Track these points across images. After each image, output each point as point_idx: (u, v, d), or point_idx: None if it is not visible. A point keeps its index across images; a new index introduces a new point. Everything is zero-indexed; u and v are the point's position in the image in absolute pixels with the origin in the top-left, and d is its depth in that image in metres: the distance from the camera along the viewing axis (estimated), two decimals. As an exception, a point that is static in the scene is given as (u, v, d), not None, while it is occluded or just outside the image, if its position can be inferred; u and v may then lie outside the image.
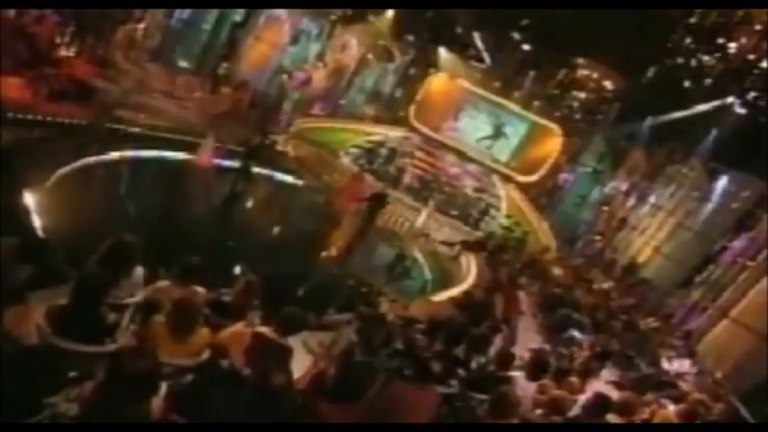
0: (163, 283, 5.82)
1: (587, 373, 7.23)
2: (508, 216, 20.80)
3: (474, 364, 6.62)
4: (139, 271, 5.78)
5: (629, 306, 12.96)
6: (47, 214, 8.86)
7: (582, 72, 21.66)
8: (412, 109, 24.94)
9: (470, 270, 13.25)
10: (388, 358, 5.68)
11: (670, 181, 18.11)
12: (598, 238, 19.29)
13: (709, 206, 15.83)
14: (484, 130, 24.43)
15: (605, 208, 20.38)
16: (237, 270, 9.03)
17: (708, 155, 16.45)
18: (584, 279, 14.73)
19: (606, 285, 14.36)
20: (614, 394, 7.95)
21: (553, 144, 23.20)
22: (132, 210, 10.49)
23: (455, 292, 10.93)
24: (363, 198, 14.85)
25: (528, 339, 10.24)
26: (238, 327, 5.28)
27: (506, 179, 22.90)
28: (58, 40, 15.11)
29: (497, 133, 24.24)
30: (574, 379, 6.74)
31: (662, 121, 18.55)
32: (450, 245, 15.66)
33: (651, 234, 17.46)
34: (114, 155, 12.62)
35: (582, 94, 21.67)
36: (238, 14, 21.34)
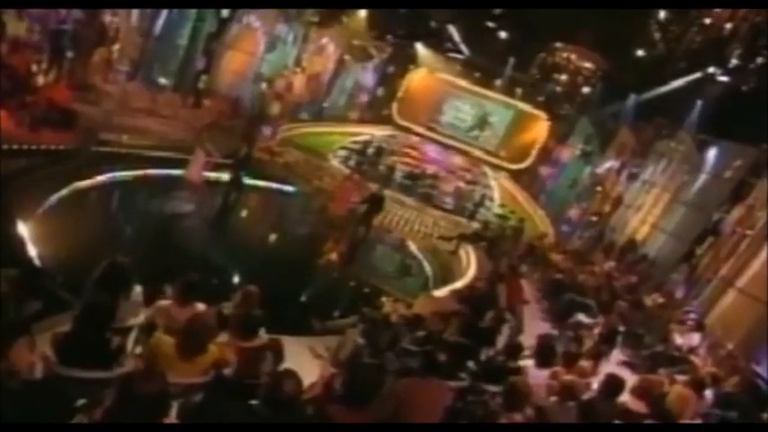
0: (164, 303, 5.78)
1: (598, 355, 7.21)
2: (502, 205, 20.81)
3: (483, 356, 6.59)
4: (138, 291, 5.75)
5: (632, 285, 12.91)
6: (41, 242, 8.81)
7: (561, 55, 21.69)
8: (395, 106, 24.95)
9: (470, 263, 13.20)
10: (396, 357, 5.66)
11: (661, 156, 18.12)
12: (594, 219, 19.28)
13: (702, 178, 15.82)
14: (469, 121, 24.49)
15: (598, 189, 20.36)
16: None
17: (695, 127, 16.47)
18: (585, 262, 14.67)
19: (607, 266, 14.32)
20: (626, 374, 8.02)
21: (540, 129, 23.27)
22: (126, 230, 10.48)
23: (457, 285, 10.88)
24: (358, 200, 14.81)
25: (534, 327, 10.21)
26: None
27: (497, 168, 22.91)
28: (34, 68, 14.99)
29: (483, 123, 24.30)
30: (585, 363, 6.73)
31: (646, 97, 18.60)
32: (448, 239, 15.63)
33: (647, 211, 17.46)
34: (103, 177, 12.56)
35: (563, 77, 21.66)
36: (212, 26, 21.23)
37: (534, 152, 23.21)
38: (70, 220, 10.05)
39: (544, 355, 6.16)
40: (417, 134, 24.27)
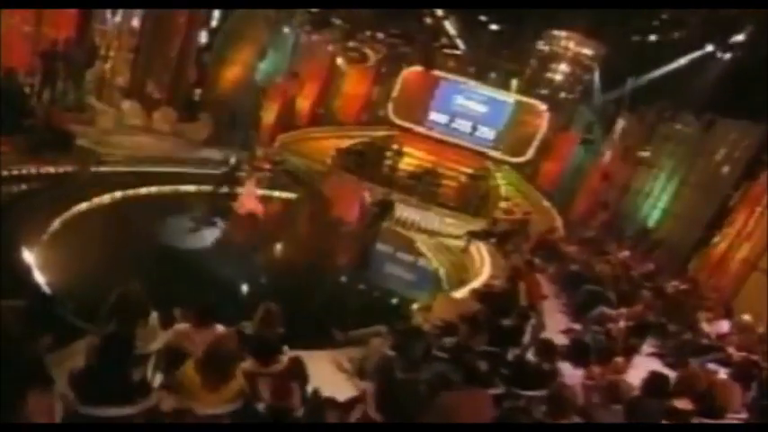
0: (182, 326, 5.58)
1: (630, 350, 6.99)
2: (506, 198, 20.57)
3: (510, 357, 6.38)
4: (154, 317, 5.55)
5: (649, 272, 12.68)
6: (48, 269, 8.60)
7: (559, 43, 21.43)
8: (390, 106, 24.78)
9: (484, 260, 12.95)
10: (429, 365, 5.43)
11: (666, 139, 17.89)
12: (603, 207, 19.04)
13: (712, 159, 15.59)
14: (466, 116, 24.26)
15: (604, 176, 20.13)
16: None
17: (700, 107, 16.23)
18: (600, 252, 14.42)
19: (622, 255, 14.08)
20: (656, 366, 7.81)
21: (539, 121, 23.08)
22: (133, 251, 10.16)
23: (475, 285, 10.65)
24: (367, 205, 14.55)
25: (555, 322, 9.99)
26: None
27: (498, 162, 22.72)
28: (27, 91, 14.81)
29: (481, 117, 24.09)
30: (618, 358, 6.52)
31: (646, 80, 18.37)
32: (457, 237, 15.40)
33: (657, 196, 17.25)
34: (105, 198, 12.36)
35: (562, 66, 21.41)
36: (202, 38, 21.02)
37: (535, 144, 23.01)
38: (76, 243, 9.79)
39: (579, 353, 5.95)
40: (415, 132, 24.08)
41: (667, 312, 10.07)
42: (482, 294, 9.55)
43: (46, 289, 7.84)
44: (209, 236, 12.47)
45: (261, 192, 14.55)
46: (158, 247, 10.88)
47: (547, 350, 5.86)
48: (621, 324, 8.61)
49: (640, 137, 18.99)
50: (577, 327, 9.83)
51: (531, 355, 6.30)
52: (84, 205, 11.51)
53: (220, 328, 5.48)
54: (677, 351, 8.75)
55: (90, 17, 17.30)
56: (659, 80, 17.81)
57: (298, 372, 5.02)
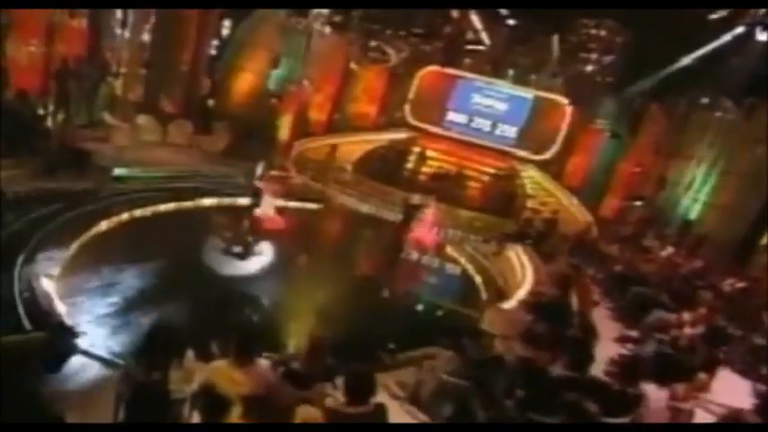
0: (220, 363, 4.95)
1: (711, 362, 6.32)
2: (533, 197, 19.93)
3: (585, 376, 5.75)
4: (190, 356, 4.90)
5: (698, 270, 11.96)
6: (69, 296, 8.13)
7: (588, 32, 20.61)
8: (407, 108, 24.22)
9: (525, 265, 12.31)
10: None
11: (703, 128, 17.09)
12: (639, 203, 18.30)
13: (756, 146, 14.80)
14: (486, 114, 23.64)
15: (637, 170, 19.37)
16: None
17: (740, 91, 15.44)
18: (641, 250, 13.71)
19: (666, 252, 13.37)
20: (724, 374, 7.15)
21: (561, 116, 22.39)
22: (159, 274, 9.63)
23: (522, 294, 10.00)
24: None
25: (606, 329, 9.32)
26: (309, 411, 4.43)
27: (523, 161, 22.07)
28: (41, 112, 14.49)
29: (500, 116, 23.46)
30: (701, 374, 5.89)
31: (675, 68, 17.62)
32: (489, 240, 14.80)
33: (697, 188, 16.50)
34: (124, 216, 11.91)
35: (592, 56, 20.56)
36: (213, 48, 20.65)
37: (558, 140, 22.33)
38: (97, 267, 9.30)
39: (664, 370, 5.32)
40: (435, 134, 23.50)
41: (729, 314, 9.36)
42: (533, 305, 8.92)
43: (67, 319, 7.34)
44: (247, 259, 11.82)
45: (284, 203, 13.94)
46: (187, 270, 10.25)
47: (630, 371, 5.22)
48: (687, 330, 7.94)
49: (673, 127, 18.23)
50: (633, 334, 9.18)
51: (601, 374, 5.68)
52: (103, 225, 11.08)
53: (263, 363, 4.90)
54: (747, 357, 8.08)
55: (100, 33, 17.02)
56: (690, 67, 17.07)
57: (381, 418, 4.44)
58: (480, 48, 21.01)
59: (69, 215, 11.08)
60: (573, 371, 5.18)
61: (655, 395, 5.12)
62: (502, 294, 11.84)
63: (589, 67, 21.30)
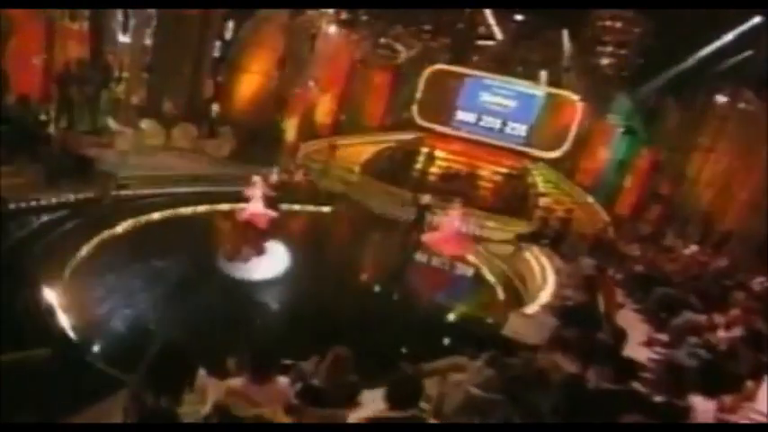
0: (236, 382, 4.56)
1: (758, 368, 5.89)
2: (545, 195, 19.47)
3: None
4: (203, 375, 4.49)
5: (725, 269, 11.50)
6: (73, 309, 7.74)
7: (602, 24, 20.02)
8: (414, 108, 23.86)
9: (545, 266, 11.87)
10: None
11: (723, 120, 16.59)
12: (656, 199, 17.81)
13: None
14: (495, 112, 23.25)
15: (654, 166, 18.85)
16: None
17: (761, 82, 14.93)
18: (663, 249, 13.24)
19: (689, 251, 12.90)
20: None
21: (572, 112, 21.97)
22: (168, 283, 9.24)
23: (545, 298, 9.56)
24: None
25: (634, 333, 8.85)
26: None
27: (534, 159, 21.63)
28: (43, 118, 14.16)
29: (510, 113, 23.06)
30: (748, 382, 5.47)
31: (693, 60, 17.10)
32: (506, 242, 14.40)
33: (719, 183, 16.00)
34: (130, 222, 11.56)
35: (607, 49, 19.93)
36: (217, 50, 20.29)
37: (570, 137, 21.90)
38: (102, 277, 8.91)
39: (712, 380, 4.91)
40: (444, 134, 23.11)
41: (765, 315, 8.89)
42: (559, 309, 8.50)
43: (72, 334, 6.96)
44: (258, 263, 11.25)
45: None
46: (198, 277, 9.83)
47: (676, 382, 4.81)
48: (722, 334, 7.51)
49: (691, 121, 17.73)
50: (661, 337, 8.74)
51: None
52: (107, 234, 10.71)
53: (283, 381, 4.52)
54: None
55: (102, 37, 16.69)
56: (708, 58, 16.57)
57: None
58: (491, 43, 20.42)
59: (73, 223, 10.73)
60: (614, 383, 4.76)
61: (702, 407, 4.72)
62: (520, 298, 11.44)
63: (603, 61, 20.64)
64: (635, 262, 12.43)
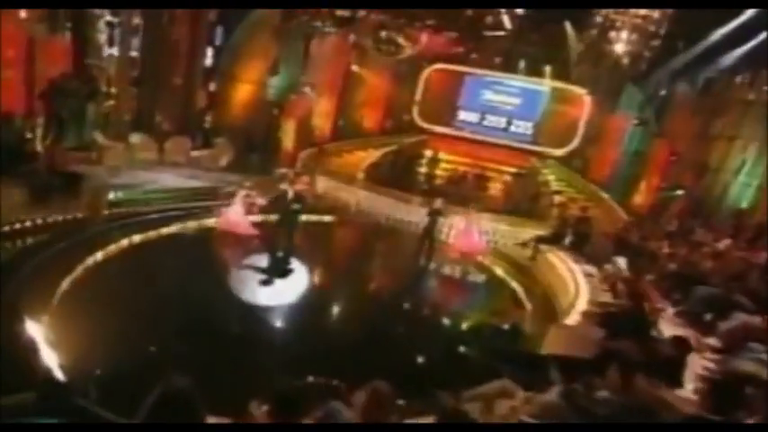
0: None
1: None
2: (558, 192, 18.61)
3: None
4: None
5: (763, 264, 10.61)
6: (62, 344, 6.82)
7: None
8: (415, 110, 23.07)
9: (571, 269, 10.86)
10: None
11: (746, 106, 15.71)
12: (679, 192, 16.94)
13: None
14: (499, 111, 22.46)
15: (673, 158, 17.99)
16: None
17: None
18: (695, 245, 12.33)
19: (723, 245, 12.03)
20: None
21: (580, 107, 21.17)
22: (165, 310, 8.30)
23: (582, 306, 8.59)
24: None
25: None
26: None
27: (543, 157, 20.79)
28: (29, 135, 13.33)
29: (514, 111, 22.27)
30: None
31: (708, 44, 16.23)
32: (525, 244, 13.55)
33: (748, 171, 15.18)
34: (123, 243, 10.66)
35: (623, 34, 18.84)
36: (207, 59, 19.45)
37: (579, 132, 21.08)
38: (92, 306, 7.93)
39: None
40: (447, 135, 22.27)
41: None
42: (602, 318, 7.62)
43: (59, 373, 6.06)
44: (275, 286, 10.08)
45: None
46: (205, 304, 8.79)
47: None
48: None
49: (709, 108, 16.87)
50: (713, 342, 7.86)
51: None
52: (98, 256, 9.80)
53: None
54: None
55: (85, 49, 15.86)
56: (723, 42, 15.73)
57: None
58: (500, 33, 19.41)
59: (60, 246, 9.84)
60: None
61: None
62: (549, 306, 10.57)
63: (612, 49, 19.49)
64: (667, 260, 11.55)
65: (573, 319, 7.67)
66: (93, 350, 6.83)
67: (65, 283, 8.52)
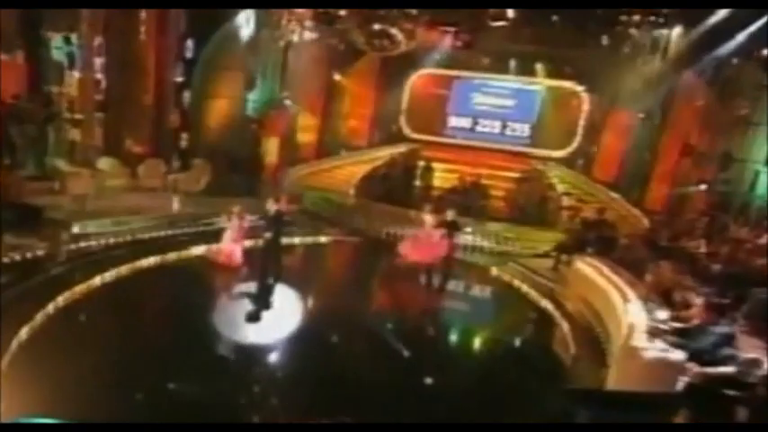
0: None
1: None
2: (567, 194, 17.28)
3: None
4: None
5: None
6: (13, 408, 5.27)
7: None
8: (402, 120, 21.71)
9: (611, 279, 9.27)
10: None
11: (761, 90, 14.47)
12: (702, 187, 15.66)
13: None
14: (492, 114, 21.17)
15: (686, 150, 16.68)
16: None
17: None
18: (734, 241, 11.02)
19: (764, 241, 10.74)
20: None
21: (578, 104, 19.94)
22: (145, 358, 6.82)
23: (643, 324, 7.03)
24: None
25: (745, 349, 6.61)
26: None
27: (543, 159, 19.50)
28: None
29: (509, 114, 21.00)
30: None
31: (710, 25, 15.00)
32: (545, 255, 12.19)
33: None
34: (93, 282, 9.11)
35: (635, 17, 17.41)
36: (178, 75, 17.93)
37: (579, 131, 19.85)
38: (55, 360, 6.45)
39: None
40: (438, 144, 20.90)
41: None
42: (674, 339, 6.23)
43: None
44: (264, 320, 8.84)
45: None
46: (188, 346, 7.43)
47: None
48: None
49: (722, 93, 15.65)
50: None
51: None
52: (62, 299, 8.24)
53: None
54: None
55: (40, 69, 14.37)
56: (727, 22, 14.49)
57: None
58: (504, 24, 17.98)
59: (17, 290, 8.29)
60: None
61: None
62: (588, 323, 9.20)
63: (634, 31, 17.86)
64: (709, 261, 10.28)
65: (639, 342, 6.18)
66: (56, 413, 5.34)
67: (22, 333, 7.00)
